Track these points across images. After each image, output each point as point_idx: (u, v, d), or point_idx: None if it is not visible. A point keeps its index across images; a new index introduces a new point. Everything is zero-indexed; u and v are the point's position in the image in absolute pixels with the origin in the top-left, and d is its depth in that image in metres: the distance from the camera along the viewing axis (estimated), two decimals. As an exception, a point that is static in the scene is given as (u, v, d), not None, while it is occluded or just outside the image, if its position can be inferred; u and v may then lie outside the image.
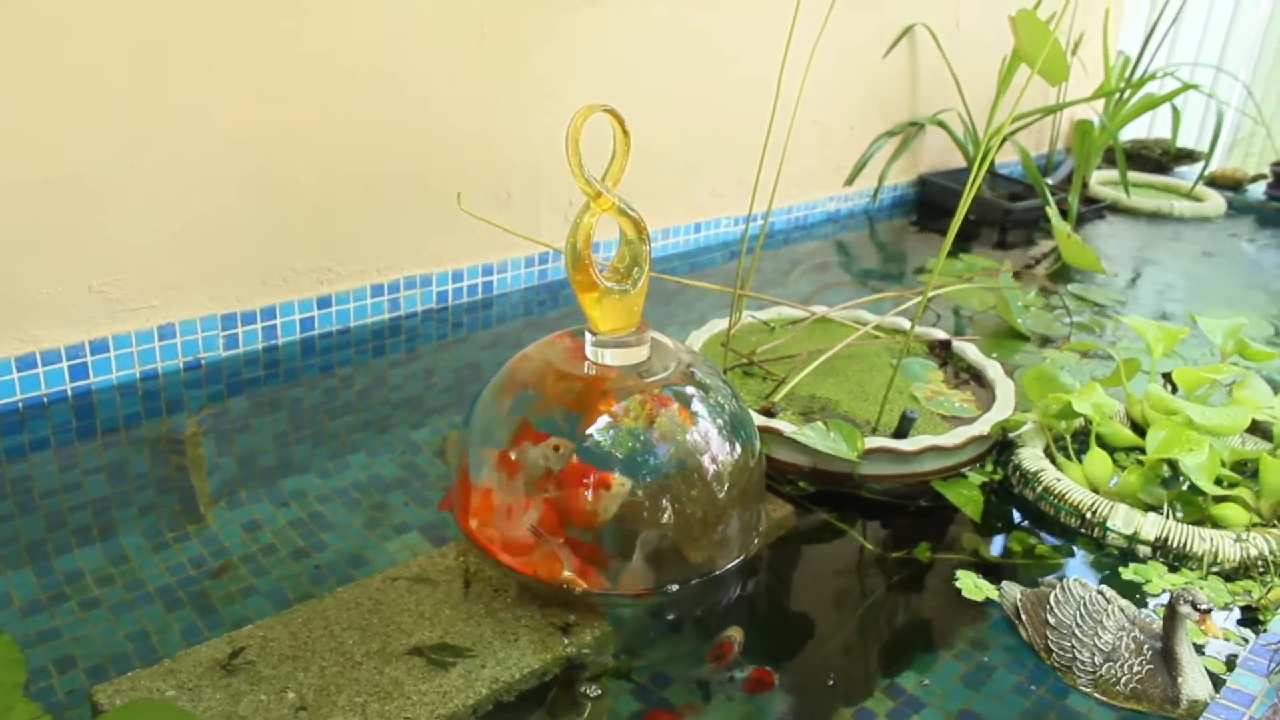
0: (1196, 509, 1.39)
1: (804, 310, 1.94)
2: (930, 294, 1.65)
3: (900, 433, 1.51)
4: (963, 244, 2.70)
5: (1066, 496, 1.39)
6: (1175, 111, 3.25)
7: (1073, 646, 1.10)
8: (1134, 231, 2.94)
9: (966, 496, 1.44)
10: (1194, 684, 1.06)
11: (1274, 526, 1.35)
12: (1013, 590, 1.21)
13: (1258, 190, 3.35)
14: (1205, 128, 3.75)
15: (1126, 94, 3.11)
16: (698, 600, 1.21)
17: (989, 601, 1.22)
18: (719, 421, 1.24)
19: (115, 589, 1.17)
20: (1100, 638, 1.10)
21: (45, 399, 1.57)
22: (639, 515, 1.17)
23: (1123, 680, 1.07)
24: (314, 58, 1.72)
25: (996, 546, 1.36)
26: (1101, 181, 3.28)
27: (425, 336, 1.94)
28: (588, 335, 1.23)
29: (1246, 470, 1.48)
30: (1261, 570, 1.29)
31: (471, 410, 1.28)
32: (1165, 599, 1.23)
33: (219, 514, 1.32)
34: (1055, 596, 1.15)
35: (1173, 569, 1.30)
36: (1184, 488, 1.43)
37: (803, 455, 1.47)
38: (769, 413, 1.55)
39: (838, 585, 1.29)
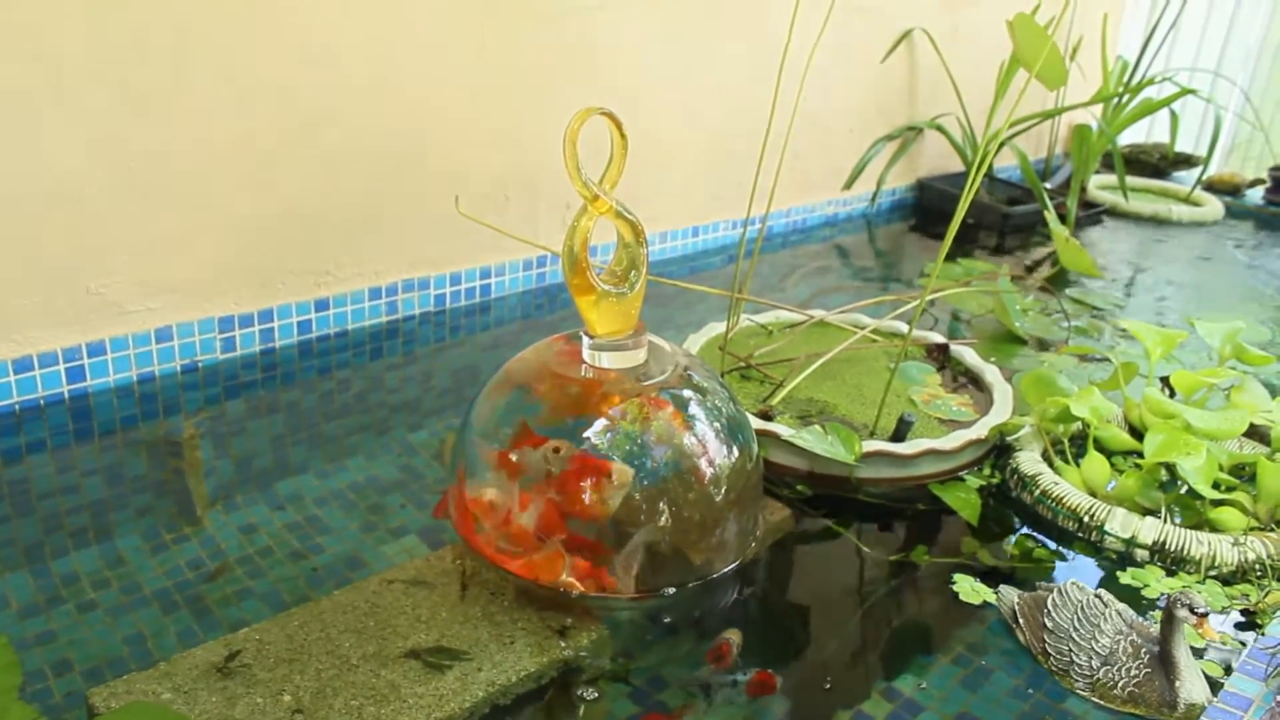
0: (1194, 513, 1.39)
1: (802, 314, 1.94)
2: (928, 297, 1.65)
3: (898, 436, 1.51)
4: (961, 248, 2.71)
5: (1064, 500, 1.39)
6: (1173, 116, 3.25)
7: (1070, 650, 1.10)
8: (1132, 236, 2.95)
9: (964, 500, 1.44)
10: (1191, 688, 1.05)
11: (1272, 530, 1.35)
12: (1010, 594, 1.21)
13: (1256, 195, 3.35)
14: (1204, 133, 3.75)
15: (1125, 98, 3.11)
16: (695, 603, 1.21)
17: (986, 605, 1.22)
18: (716, 425, 1.24)
19: (112, 592, 1.17)
20: (1098, 641, 1.10)
21: (42, 401, 1.56)
22: (636, 518, 1.17)
23: (1120, 684, 1.07)
24: (312, 60, 1.72)
25: (994, 550, 1.36)
26: (1100, 186, 3.29)
27: (423, 339, 1.94)
28: (585, 338, 1.23)
29: (1244, 474, 1.48)
30: (1259, 574, 1.28)
31: (469, 413, 1.28)
32: (1163, 603, 1.23)
33: (216, 517, 1.32)
34: (1053, 600, 1.15)
35: (1170, 573, 1.30)
36: (1182, 492, 1.43)
37: (800, 458, 1.47)
38: (766, 416, 1.55)
39: (835, 589, 1.29)
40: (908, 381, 1.71)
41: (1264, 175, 3.37)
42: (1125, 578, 1.29)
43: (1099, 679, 1.08)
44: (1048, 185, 3.16)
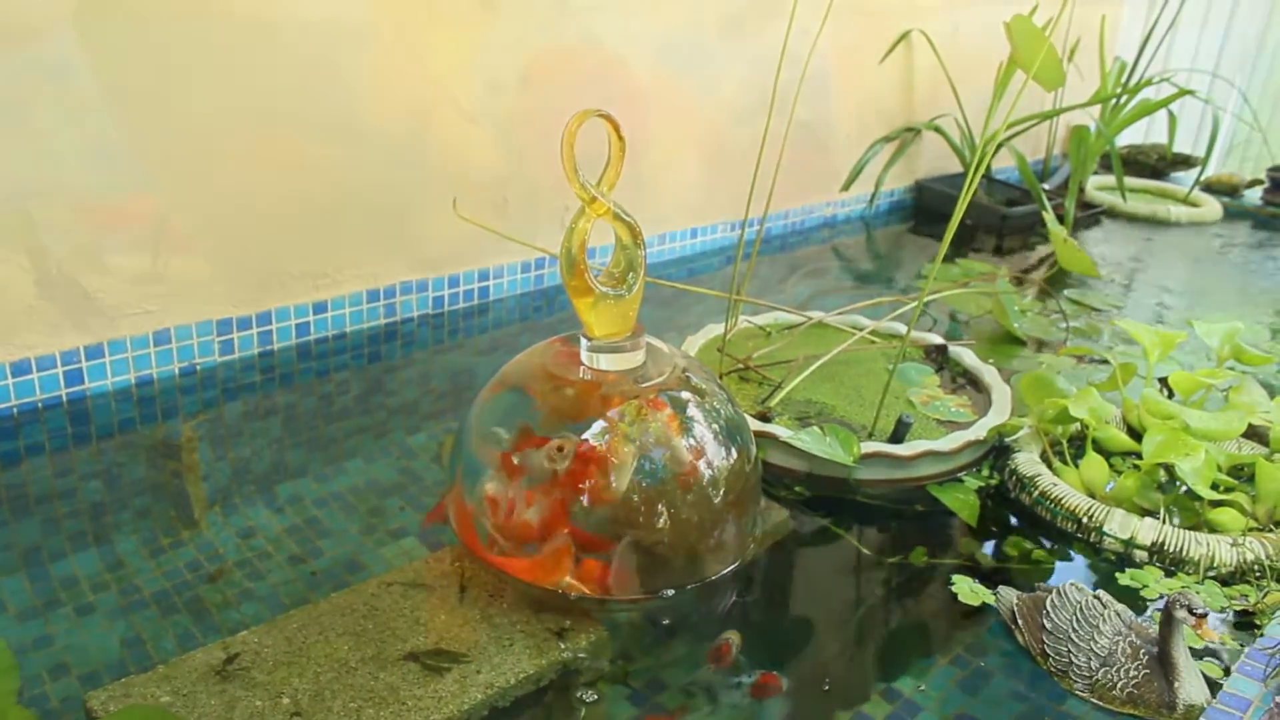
0: (1193, 514, 1.39)
1: (800, 315, 1.94)
2: (927, 299, 1.65)
3: (896, 437, 1.51)
4: (959, 249, 2.71)
5: (1063, 501, 1.39)
6: (1171, 117, 3.26)
7: (1069, 651, 1.10)
8: (1130, 237, 2.95)
9: (963, 501, 1.44)
10: (1190, 688, 1.05)
11: (1270, 531, 1.35)
12: (1009, 595, 1.21)
13: (1254, 195, 3.36)
14: (1202, 133, 3.76)
15: (1123, 99, 3.12)
16: (694, 605, 1.21)
17: (985, 606, 1.22)
18: (715, 426, 1.24)
19: (110, 595, 1.16)
20: (1096, 642, 1.10)
21: (40, 405, 1.56)
22: (635, 520, 1.17)
23: (1119, 685, 1.07)
24: (311, 63, 1.72)
25: (993, 551, 1.36)
26: (1098, 187, 3.29)
27: (421, 342, 1.94)
28: (583, 340, 1.23)
29: (1243, 475, 1.48)
30: (1258, 575, 1.28)
31: (468, 415, 1.28)
32: (1162, 604, 1.22)
33: (214, 520, 1.32)
34: (1051, 601, 1.15)
35: (1169, 574, 1.30)
36: (1180, 492, 1.43)
37: (799, 460, 1.47)
38: (765, 417, 1.55)
39: (834, 590, 1.29)
40: (906, 383, 1.71)
41: (1262, 176, 3.37)
42: (1124, 579, 1.29)
43: (1098, 680, 1.08)
44: (1046, 186, 3.17)
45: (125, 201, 1.58)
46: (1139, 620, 1.14)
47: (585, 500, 1.16)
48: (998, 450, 1.57)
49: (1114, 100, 3.13)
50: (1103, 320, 2.22)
